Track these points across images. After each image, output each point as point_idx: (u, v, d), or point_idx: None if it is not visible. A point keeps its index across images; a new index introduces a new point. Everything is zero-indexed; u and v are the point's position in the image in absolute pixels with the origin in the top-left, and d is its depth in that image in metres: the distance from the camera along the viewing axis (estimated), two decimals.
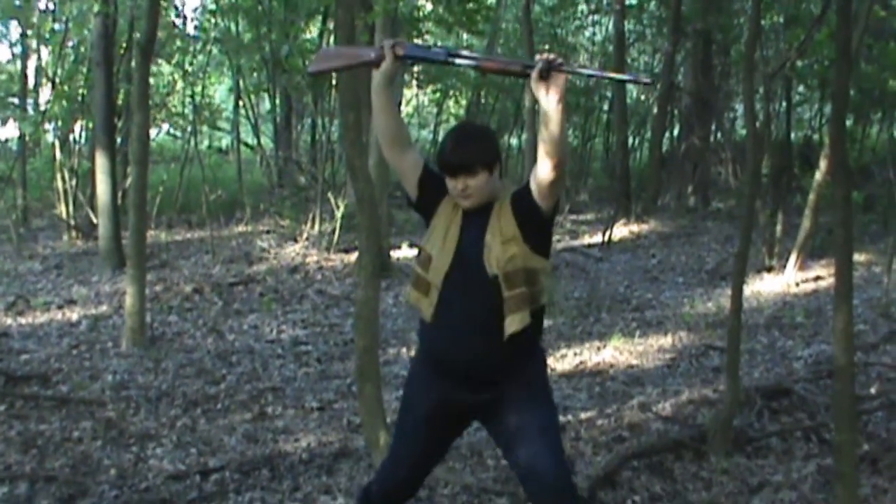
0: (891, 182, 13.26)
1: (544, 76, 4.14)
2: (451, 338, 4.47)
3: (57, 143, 18.40)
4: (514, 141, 27.27)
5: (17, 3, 19.52)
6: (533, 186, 4.38)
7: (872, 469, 6.61)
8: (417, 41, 15.84)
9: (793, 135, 19.37)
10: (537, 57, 4.22)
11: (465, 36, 22.79)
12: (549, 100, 4.14)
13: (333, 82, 18.87)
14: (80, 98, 18.42)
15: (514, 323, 4.39)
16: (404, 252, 15.66)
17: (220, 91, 30.87)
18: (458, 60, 4.51)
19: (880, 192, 17.30)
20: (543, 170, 4.30)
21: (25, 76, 22.06)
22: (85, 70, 18.51)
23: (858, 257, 13.89)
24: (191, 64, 23.22)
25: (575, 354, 10.10)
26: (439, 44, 21.39)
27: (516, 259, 4.39)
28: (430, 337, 4.62)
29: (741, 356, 7.81)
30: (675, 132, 24.46)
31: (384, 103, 4.58)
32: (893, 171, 13.37)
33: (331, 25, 20.54)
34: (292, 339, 11.00)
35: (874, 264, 14.10)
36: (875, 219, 17.17)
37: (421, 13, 18.93)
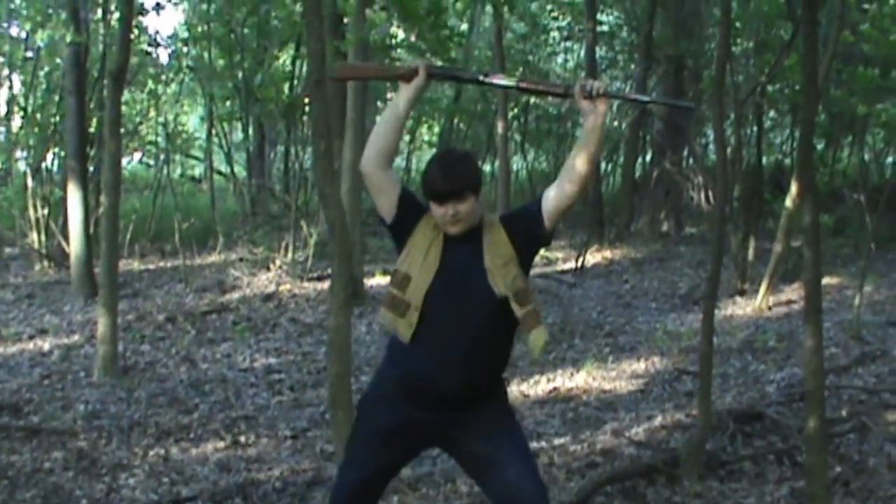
0: (862, 206, 13.31)
1: (592, 97, 4.33)
2: (437, 361, 4.45)
3: (29, 172, 18.36)
4: (486, 167, 27.32)
5: None
6: (546, 203, 4.48)
7: (845, 491, 6.63)
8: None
9: (764, 159, 19.36)
10: (579, 83, 4.35)
11: (438, 63, 22.83)
12: (596, 115, 4.35)
13: (305, 111, 18.90)
14: (52, 126, 18.41)
15: (540, 336, 4.51)
16: (377, 280, 15.66)
17: (192, 119, 30.86)
18: (494, 81, 4.60)
19: (851, 216, 17.36)
20: (569, 187, 4.43)
21: None
22: (57, 98, 18.52)
23: (830, 280, 13.95)
24: (164, 92, 23.24)
25: (548, 380, 10.10)
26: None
27: (518, 279, 4.46)
28: (409, 360, 4.56)
29: (714, 380, 7.85)
30: (648, 157, 24.52)
31: (402, 118, 4.62)
32: (864, 195, 13.41)
33: (304, 51, 20.55)
34: (265, 367, 10.98)
35: (845, 287, 14.15)
36: (846, 242, 17.24)
37: (393, 40, 18.95)
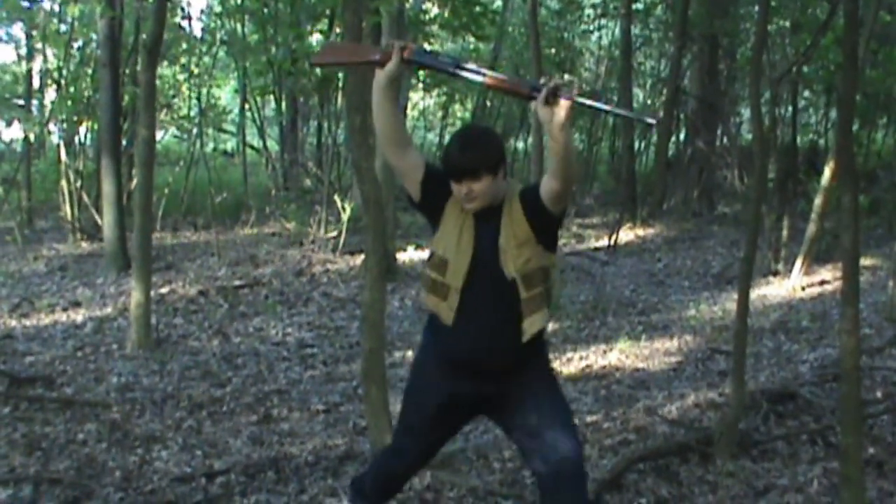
0: None
1: (549, 101, 4.12)
2: (474, 341, 4.50)
3: (62, 145, 18.44)
4: (520, 145, 27.27)
5: (26, 4, 19.54)
6: (543, 193, 4.40)
7: (878, 473, 6.59)
8: (425, 46, 15.84)
9: (798, 139, 19.29)
10: (543, 80, 4.20)
11: (470, 40, 22.76)
12: (552, 125, 4.13)
13: (340, 84, 18.87)
14: (85, 99, 18.45)
15: (534, 324, 4.48)
16: (410, 254, 15.66)
17: (225, 93, 30.89)
18: (465, 74, 4.49)
19: (886, 197, 17.30)
20: (552, 184, 4.33)
21: (31, 77, 22.09)
22: (90, 71, 18.55)
23: (864, 261, 13.86)
24: (196, 66, 23.26)
25: (581, 358, 10.08)
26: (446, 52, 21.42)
27: (532, 260, 4.44)
28: (450, 340, 4.61)
29: (747, 360, 7.80)
30: (681, 136, 24.42)
31: (384, 103, 4.56)
32: None
33: (337, 29, 20.51)
34: (298, 341, 10.99)
35: (879, 268, 14.07)
36: (880, 223, 17.16)
37: (427, 16, 18.90)
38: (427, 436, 4.85)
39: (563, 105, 4.10)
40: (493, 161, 4.43)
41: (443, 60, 4.58)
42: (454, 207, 4.56)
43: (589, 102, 4.43)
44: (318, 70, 18.89)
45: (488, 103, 26.88)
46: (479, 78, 4.48)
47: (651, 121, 4.66)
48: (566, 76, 24.20)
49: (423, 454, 4.96)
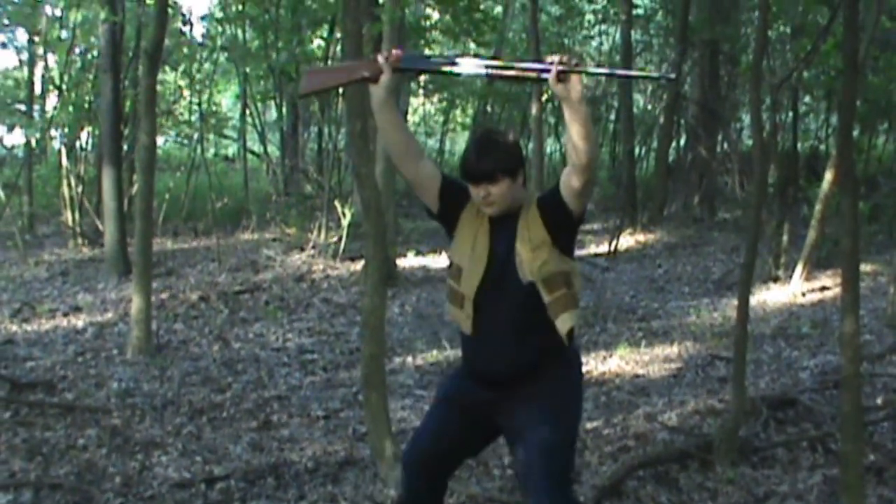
0: None
1: (561, 78, 4.13)
2: (493, 349, 4.50)
3: (63, 150, 18.48)
4: None
5: (27, 10, 19.57)
6: (563, 189, 4.39)
7: (878, 479, 6.59)
8: (426, 51, 15.82)
9: (799, 145, 19.32)
10: (549, 59, 4.20)
11: (472, 45, 22.79)
12: (571, 99, 4.15)
13: (340, 91, 18.89)
14: (86, 105, 18.48)
15: (566, 320, 4.46)
16: (411, 261, 15.67)
17: (226, 99, 30.90)
18: (463, 70, 4.45)
19: (886, 203, 17.29)
20: (574, 171, 4.31)
21: (32, 83, 22.17)
22: (91, 77, 18.57)
23: (864, 268, 13.84)
24: (198, 71, 23.27)
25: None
26: (446, 52, 21.40)
27: (549, 264, 4.41)
28: (470, 349, 4.65)
29: (747, 366, 7.80)
30: (682, 142, 24.44)
31: (388, 117, 4.53)
32: None
33: (338, 34, 20.54)
34: (298, 347, 11.00)
35: (879, 275, 14.06)
36: (881, 229, 17.15)
37: (428, 22, 18.93)
38: (444, 433, 4.75)
39: (576, 78, 4.15)
40: (510, 164, 4.43)
41: (436, 60, 4.54)
42: (470, 215, 4.56)
43: (601, 70, 4.43)
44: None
45: (489, 108, 26.91)
46: (480, 72, 4.46)
47: (670, 76, 4.64)
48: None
49: (437, 452, 4.79)
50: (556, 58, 4.18)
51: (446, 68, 4.50)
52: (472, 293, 4.47)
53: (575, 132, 4.23)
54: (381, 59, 4.47)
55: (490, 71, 4.41)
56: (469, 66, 4.44)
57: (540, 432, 4.51)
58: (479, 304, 4.47)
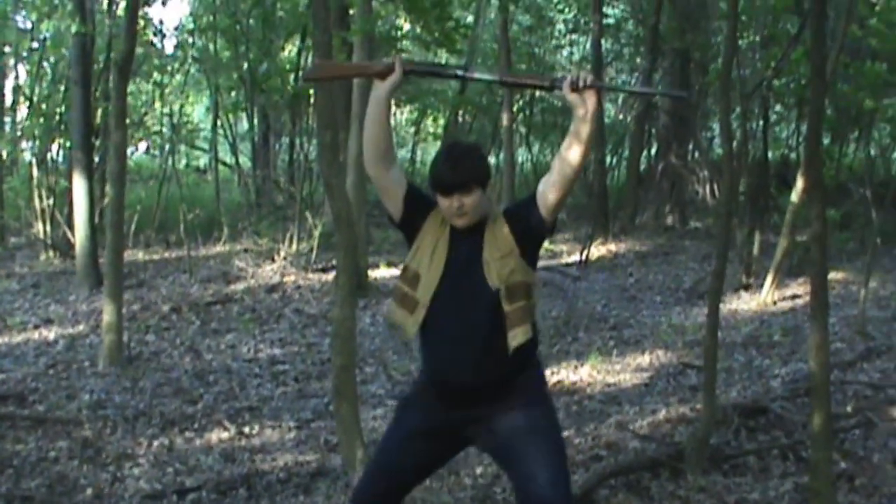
0: (867, 201, 13.28)
1: (575, 89, 4.25)
2: (450, 357, 4.46)
3: (34, 162, 18.41)
4: (491, 160, 27.28)
5: None
6: (540, 200, 4.42)
7: (849, 487, 6.62)
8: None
9: (770, 153, 19.34)
10: (562, 74, 4.28)
11: (444, 55, 22.80)
12: (587, 112, 4.27)
13: (311, 101, 18.88)
14: (57, 117, 18.42)
15: (517, 336, 4.41)
16: (382, 271, 15.66)
17: (198, 110, 30.84)
18: (476, 75, 4.52)
19: (857, 210, 17.34)
20: (556, 183, 4.37)
21: (2, 95, 22.08)
22: (62, 89, 18.52)
23: (835, 275, 13.91)
24: (169, 83, 23.24)
25: (552, 373, 10.07)
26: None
27: (516, 273, 4.42)
28: (429, 358, 4.61)
29: (718, 374, 7.83)
30: (653, 151, 24.49)
31: (381, 116, 4.52)
32: (870, 190, 13.40)
33: (309, 43, 20.54)
34: (270, 358, 10.99)
35: (851, 283, 14.11)
36: (852, 237, 17.20)
37: (399, 32, 18.94)
38: (400, 462, 4.64)
39: (591, 92, 4.26)
40: (482, 174, 4.46)
41: (447, 67, 4.60)
42: (433, 224, 4.55)
43: (614, 86, 4.49)
44: (289, 86, 18.92)
45: (460, 119, 26.92)
46: (494, 78, 4.57)
47: (683, 94, 4.71)
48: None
49: (392, 480, 4.68)
50: (574, 75, 4.30)
51: (458, 73, 4.61)
52: (427, 299, 4.45)
53: (574, 145, 4.31)
54: (398, 60, 4.51)
55: (504, 78, 4.48)
56: (480, 73, 4.60)
57: (537, 444, 4.47)
58: (435, 311, 4.45)
